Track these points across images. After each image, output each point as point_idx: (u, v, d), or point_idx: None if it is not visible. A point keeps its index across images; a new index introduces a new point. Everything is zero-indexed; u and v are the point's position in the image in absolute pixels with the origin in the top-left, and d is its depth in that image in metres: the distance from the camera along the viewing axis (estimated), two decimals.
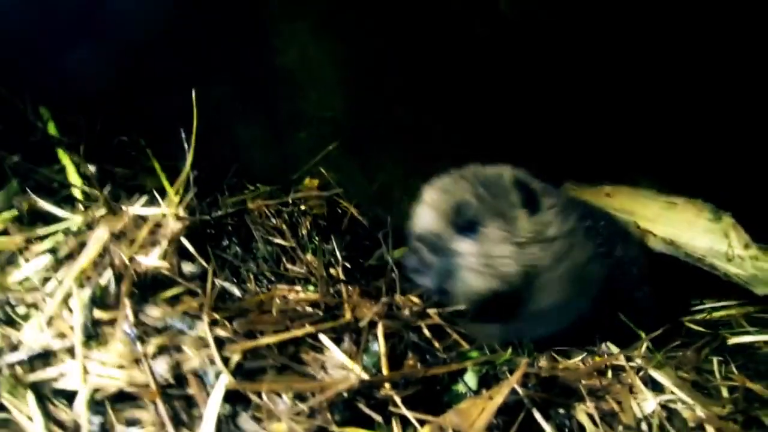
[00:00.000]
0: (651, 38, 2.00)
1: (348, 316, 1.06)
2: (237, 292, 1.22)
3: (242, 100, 2.16)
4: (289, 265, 1.46)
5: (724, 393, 1.25)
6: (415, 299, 1.21)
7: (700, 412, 1.10)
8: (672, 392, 1.15)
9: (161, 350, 0.91)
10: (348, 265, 1.45)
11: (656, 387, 1.17)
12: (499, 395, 0.87)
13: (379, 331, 0.99)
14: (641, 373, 1.19)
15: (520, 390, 0.95)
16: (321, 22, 2.04)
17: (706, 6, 1.88)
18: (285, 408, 0.83)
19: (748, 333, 1.71)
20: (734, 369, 1.35)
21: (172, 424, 0.82)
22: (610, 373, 1.22)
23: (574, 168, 2.19)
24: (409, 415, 0.84)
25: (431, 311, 1.13)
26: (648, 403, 1.11)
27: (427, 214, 1.36)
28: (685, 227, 1.87)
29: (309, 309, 1.12)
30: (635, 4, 1.97)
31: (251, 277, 1.39)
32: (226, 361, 0.89)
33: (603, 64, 2.06)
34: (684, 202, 1.93)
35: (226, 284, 1.23)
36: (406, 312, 1.12)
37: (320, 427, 0.81)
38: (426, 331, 1.09)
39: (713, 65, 1.97)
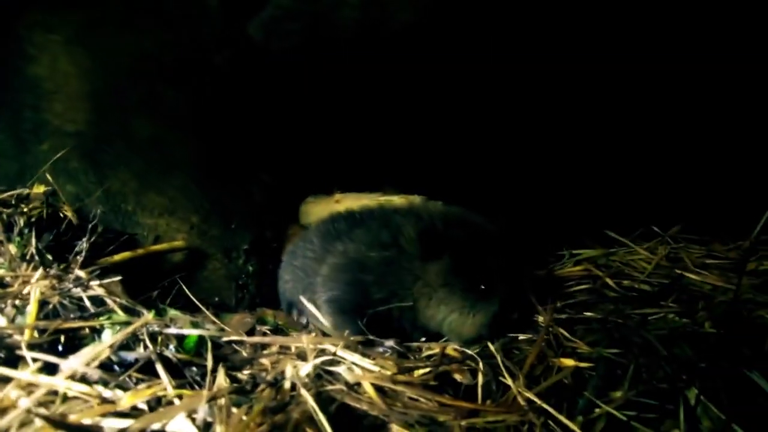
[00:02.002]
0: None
1: (16, 287, 1.37)
2: None
3: None
4: None
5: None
6: (83, 274, 1.54)
7: (359, 371, 1.41)
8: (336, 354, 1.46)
9: None
10: (50, 256, 1.74)
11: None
12: (114, 339, 1.22)
13: (32, 296, 1.31)
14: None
15: (149, 345, 1.32)
16: (74, 35, 2.31)
17: None
18: None
19: None
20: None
21: None
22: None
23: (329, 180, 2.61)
24: (28, 355, 1.16)
25: (95, 283, 1.47)
26: (305, 366, 1.39)
27: None
28: None
29: None
30: None
31: None
32: None
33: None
34: (399, 198, 2.33)
35: None
36: (70, 285, 1.45)
37: None
38: (87, 302, 1.42)
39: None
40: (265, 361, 1.48)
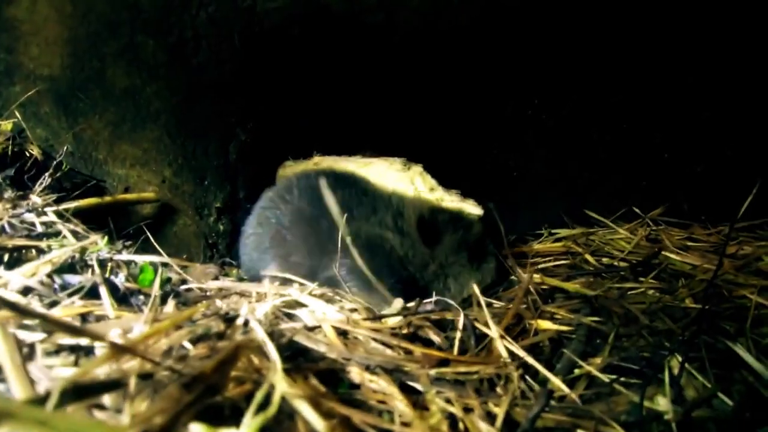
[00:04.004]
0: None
1: None
2: None
3: None
4: None
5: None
6: (39, 200, 1.53)
7: (320, 315, 1.39)
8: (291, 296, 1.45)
9: None
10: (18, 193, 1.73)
11: None
12: (58, 256, 1.20)
13: None
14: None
15: (98, 271, 1.30)
16: None
17: None
18: None
19: None
20: None
21: None
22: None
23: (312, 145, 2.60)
24: None
25: (50, 209, 1.45)
26: (263, 305, 1.36)
27: None
28: (376, 176, 2.26)
29: None
30: None
31: None
32: None
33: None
34: (378, 160, 2.32)
35: None
36: (31, 215, 1.43)
37: None
38: (38, 226, 1.41)
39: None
40: (221, 301, 1.45)
